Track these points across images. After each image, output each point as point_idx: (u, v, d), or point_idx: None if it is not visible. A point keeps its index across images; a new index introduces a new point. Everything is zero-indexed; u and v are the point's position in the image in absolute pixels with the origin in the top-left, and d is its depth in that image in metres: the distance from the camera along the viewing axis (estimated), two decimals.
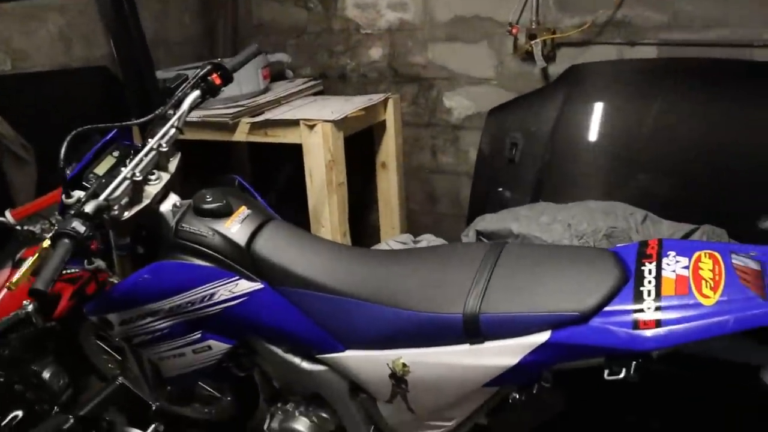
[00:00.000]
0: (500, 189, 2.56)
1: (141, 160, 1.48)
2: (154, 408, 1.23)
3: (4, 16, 2.30)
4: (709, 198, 2.18)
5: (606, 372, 1.09)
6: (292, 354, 1.51)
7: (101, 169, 1.52)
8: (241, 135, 2.60)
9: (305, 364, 1.49)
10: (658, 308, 1.07)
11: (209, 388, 1.95)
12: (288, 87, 2.88)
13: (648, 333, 1.05)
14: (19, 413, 1.14)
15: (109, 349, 2.15)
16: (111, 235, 1.52)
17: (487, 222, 2.16)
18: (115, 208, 1.43)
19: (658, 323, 1.05)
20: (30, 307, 1.65)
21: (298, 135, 2.47)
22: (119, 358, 2.00)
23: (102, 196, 1.38)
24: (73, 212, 1.31)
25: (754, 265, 1.06)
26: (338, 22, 2.91)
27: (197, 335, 1.51)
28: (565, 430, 1.38)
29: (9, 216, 2.06)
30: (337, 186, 2.50)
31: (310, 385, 1.55)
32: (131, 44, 2.53)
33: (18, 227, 2.00)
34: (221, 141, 2.68)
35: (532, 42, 2.47)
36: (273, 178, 3.27)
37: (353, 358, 1.40)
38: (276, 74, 3.00)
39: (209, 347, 1.53)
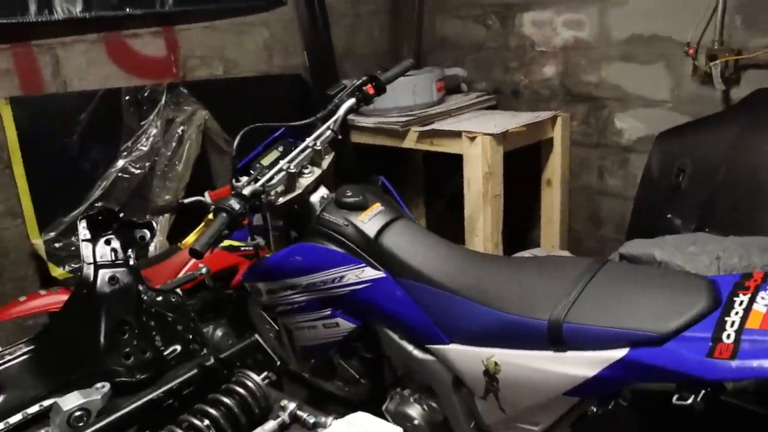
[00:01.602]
0: (669, 216, 2.46)
1: (297, 155, 1.73)
2: (278, 363, 1.43)
3: (220, 30, 2.74)
4: None
5: (675, 397, 1.08)
6: (406, 341, 1.65)
7: (267, 160, 1.79)
8: (409, 142, 2.80)
9: (417, 353, 1.62)
10: (737, 339, 1.03)
11: (352, 370, 2.15)
12: (461, 100, 3.02)
13: (721, 363, 1.02)
14: (178, 347, 1.42)
15: (270, 320, 2.45)
16: (268, 216, 1.79)
17: (633, 246, 2.10)
18: (272, 194, 1.69)
19: (734, 355, 1.02)
20: (204, 270, 1.98)
21: (460, 146, 2.60)
22: (276, 328, 2.27)
23: (259, 183, 1.64)
24: (233, 193, 1.58)
25: None
26: (514, 39, 2.99)
27: (328, 312, 1.72)
28: None
29: (207, 196, 2.45)
30: (492, 198, 2.59)
31: (421, 374, 1.67)
32: (322, 56, 2.86)
33: (213, 206, 2.39)
34: (398, 149, 2.91)
35: (712, 63, 2.35)
36: (442, 187, 3.44)
37: (455, 351, 1.50)
38: (452, 88, 3.16)
39: (337, 324, 1.73)
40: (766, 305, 1.08)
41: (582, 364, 1.22)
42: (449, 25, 3.24)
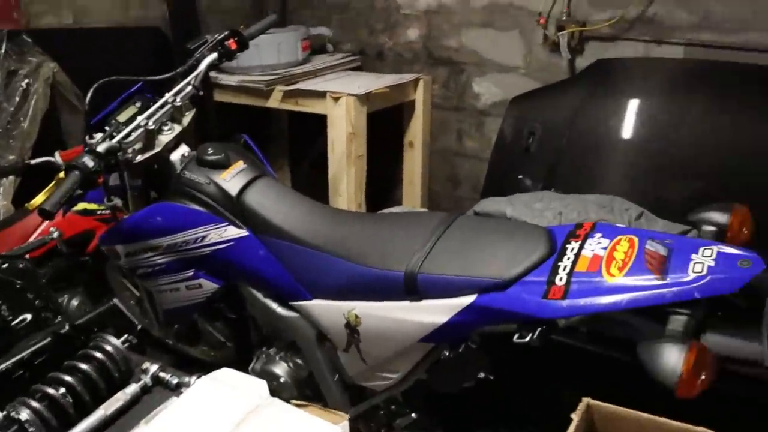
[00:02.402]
0: (520, 176, 2.63)
1: (156, 111, 1.67)
2: (138, 327, 1.40)
3: None
4: None
5: (516, 336, 1.19)
6: (270, 299, 1.66)
7: (123, 116, 1.70)
8: (274, 102, 2.78)
9: (280, 310, 1.65)
10: (568, 282, 1.16)
11: (216, 333, 2.14)
12: (326, 60, 3.02)
13: (554, 303, 1.15)
14: (28, 316, 1.34)
15: (130, 286, 2.36)
16: (126, 175, 1.72)
17: (486, 204, 2.23)
18: (129, 151, 1.62)
19: (565, 295, 1.14)
20: (56, 234, 1.87)
21: (324, 106, 2.62)
22: (137, 294, 2.21)
23: (116, 139, 1.57)
24: (86, 149, 1.50)
25: (663, 251, 1.14)
26: (380, 0, 3.03)
27: (190, 273, 1.69)
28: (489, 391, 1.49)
29: (58, 156, 2.29)
30: (356, 158, 2.64)
31: (286, 331, 1.70)
32: (183, 9, 2.73)
33: (64, 167, 2.24)
34: (263, 108, 2.87)
35: (560, 33, 2.52)
36: (307, 148, 3.44)
37: (317, 306, 1.54)
38: (318, 47, 3.15)
39: (200, 285, 1.71)
40: (592, 251, 1.21)
41: (435, 312, 1.31)
42: None
